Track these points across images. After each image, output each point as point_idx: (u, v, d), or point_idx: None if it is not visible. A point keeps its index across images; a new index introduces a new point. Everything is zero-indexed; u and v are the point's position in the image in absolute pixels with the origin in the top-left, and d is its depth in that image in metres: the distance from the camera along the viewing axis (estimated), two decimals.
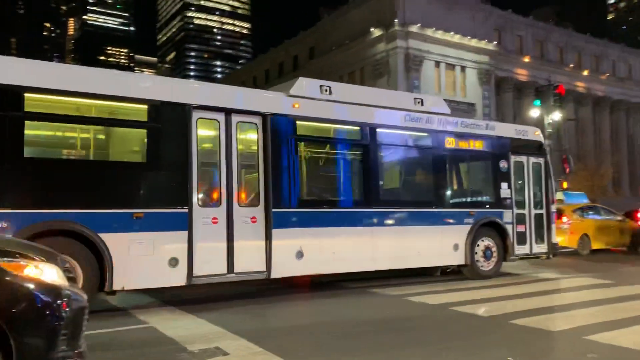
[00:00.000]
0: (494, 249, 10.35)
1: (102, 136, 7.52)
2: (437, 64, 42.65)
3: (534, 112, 29.23)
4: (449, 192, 10.24)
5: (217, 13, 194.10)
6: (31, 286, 3.12)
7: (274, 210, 7.90)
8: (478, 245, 10.13)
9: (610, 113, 54.90)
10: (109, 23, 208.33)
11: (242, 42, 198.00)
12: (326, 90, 8.99)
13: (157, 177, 7.30)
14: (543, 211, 11.20)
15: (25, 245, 3.74)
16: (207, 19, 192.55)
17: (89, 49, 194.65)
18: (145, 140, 7.31)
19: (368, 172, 9.21)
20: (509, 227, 10.50)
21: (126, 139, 7.68)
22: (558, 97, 26.05)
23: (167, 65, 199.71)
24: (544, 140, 11.95)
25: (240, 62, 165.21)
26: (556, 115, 26.68)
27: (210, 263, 7.38)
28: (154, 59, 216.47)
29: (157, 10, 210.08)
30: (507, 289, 9.02)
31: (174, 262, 7.09)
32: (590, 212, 16.55)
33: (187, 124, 7.38)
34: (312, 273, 8.72)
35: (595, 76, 53.59)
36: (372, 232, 9.00)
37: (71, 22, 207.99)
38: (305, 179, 8.75)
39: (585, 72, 52.58)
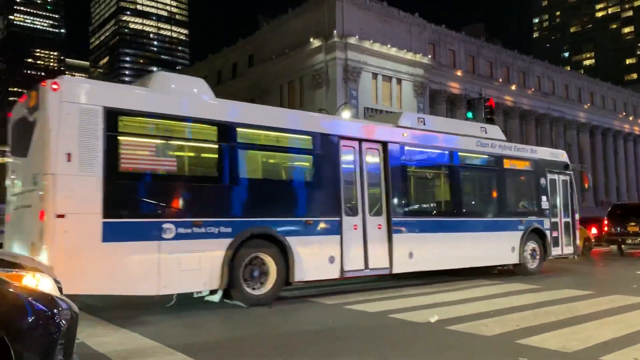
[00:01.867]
0: (537, 251, 12.73)
1: (284, 161, 9.38)
2: (375, 75, 43.49)
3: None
4: (507, 204, 12.52)
5: (154, 18, 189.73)
6: (30, 297, 3.15)
7: (392, 219, 9.88)
8: (526, 247, 12.37)
9: (535, 126, 57.90)
10: (37, 24, 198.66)
11: (179, 48, 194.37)
12: (421, 122, 11.23)
13: (319, 193, 9.22)
14: (570, 219, 13.73)
15: (13, 255, 3.76)
16: (143, 24, 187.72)
17: (15, 51, 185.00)
18: (311, 164, 9.24)
19: (454, 188, 11.52)
20: (547, 233, 12.93)
21: (299, 163, 9.43)
22: (489, 109, 27.13)
23: (99, 70, 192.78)
24: (569, 161, 14.37)
25: (177, 68, 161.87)
26: (489, 128, 27.77)
27: (354, 261, 9.29)
28: (86, 63, 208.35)
29: (90, 13, 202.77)
30: (444, 295, 9.24)
31: (331, 259, 9.01)
32: None
33: (337, 151, 9.40)
34: (419, 270, 10.56)
35: (522, 91, 56.38)
36: (458, 237, 11.02)
37: None
38: (411, 193, 10.83)
39: (513, 87, 55.22)
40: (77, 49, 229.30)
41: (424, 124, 11.18)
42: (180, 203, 7.69)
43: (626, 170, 68.69)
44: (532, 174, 13.14)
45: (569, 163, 14.23)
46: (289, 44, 44.57)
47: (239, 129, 8.33)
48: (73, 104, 6.88)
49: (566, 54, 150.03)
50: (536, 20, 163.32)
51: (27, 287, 3.20)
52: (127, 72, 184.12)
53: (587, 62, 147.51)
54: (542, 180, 13.21)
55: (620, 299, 8.39)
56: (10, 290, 3.11)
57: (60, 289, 3.56)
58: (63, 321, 3.21)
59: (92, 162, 6.90)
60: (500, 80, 54.44)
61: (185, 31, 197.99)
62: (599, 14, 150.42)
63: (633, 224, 18.89)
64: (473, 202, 12.32)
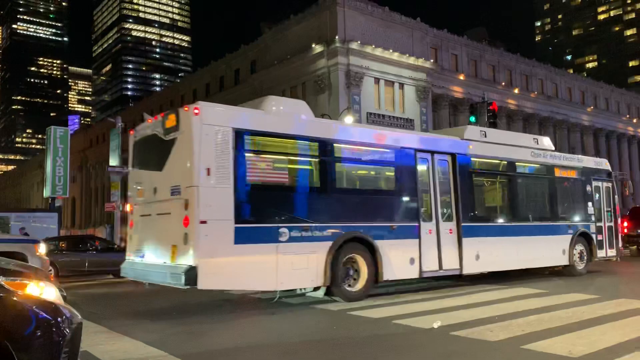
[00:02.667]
0: (584, 253, 13.49)
1: (372, 173, 10.61)
2: (377, 80, 43.53)
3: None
4: (558, 210, 13.36)
5: (156, 25, 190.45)
6: (34, 305, 3.14)
7: (462, 224, 10.75)
8: (575, 250, 13.17)
9: (539, 129, 57.74)
10: (40, 33, 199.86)
11: (181, 55, 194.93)
12: (483, 134, 12.30)
13: (401, 201, 10.17)
14: (612, 224, 14.61)
15: (17, 264, 3.73)
16: (145, 31, 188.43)
17: (19, 60, 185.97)
18: (394, 175, 10.30)
19: (513, 196, 12.51)
20: (593, 237, 13.78)
21: (383, 174, 10.62)
22: (492, 113, 27.09)
23: (102, 78, 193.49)
24: (611, 169, 15.31)
25: (180, 75, 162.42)
26: (490, 131, 27.75)
27: (430, 262, 10.15)
28: (89, 71, 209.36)
29: (93, 21, 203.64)
30: (448, 300, 9.20)
31: (412, 261, 9.91)
32: None
33: (414, 162, 10.38)
34: (484, 271, 11.69)
35: (525, 94, 56.32)
36: (517, 240, 11.89)
37: None
38: (476, 200, 11.64)
39: (516, 90, 55.17)
40: (80, 57, 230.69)
41: (485, 137, 12.24)
42: (291, 210, 8.72)
43: (630, 173, 68.37)
44: (579, 182, 14.03)
45: (610, 171, 15.18)
46: (291, 49, 44.70)
47: (335, 145, 9.48)
48: (210, 125, 7.95)
49: (569, 57, 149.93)
50: (538, 24, 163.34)
51: (31, 296, 3.20)
52: (129, 80, 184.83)
53: (590, 65, 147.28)
54: (588, 187, 14.13)
55: (627, 303, 8.33)
56: (14, 298, 3.11)
57: (64, 297, 3.58)
58: (67, 329, 3.20)
59: (225, 175, 7.97)
60: (503, 83, 54.40)
61: (187, 38, 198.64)
62: (602, 17, 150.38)
63: None
64: (529, 208, 12.99)
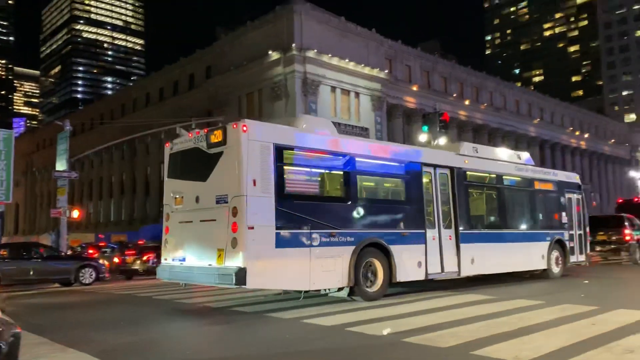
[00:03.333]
0: (560, 258, 14.90)
1: (386, 184, 11.65)
2: (333, 89, 43.86)
3: (422, 137, 30.95)
4: (538, 219, 14.71)
5: (109, 27, 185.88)
6: None
7: (461, 231, 11.90)
8: (552, 255, 14.55)
9: (488, 139, 59.52)
10: None
11: (134, 58, 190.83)
12: (475, 150, 13.46)
13: (410, 209, 11.19)
14: (582, 232, 15.98)
15: None
16: (97, 33, 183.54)
17: None
18: (404, 186, 11.35)
19: (502, 206, 13.79)
20: (567, 243, 15.14)
21: (396, 185, 11.59)
22: (443, 123, 27.73)
23: (51, 79, 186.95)
24: (581, 182, 16.77)
25: (132, 78, 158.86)
26: (442, 141, 28.40)
27: (434, 265, 11.25)
28: (36, 72, 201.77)
29: (41, 21, 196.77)
30: (401, 307, 9.29)
31: (419, 264, 10.98)
32: None
33: (420, 175, 11.46)
34: (477, 273, 12.60)
35: (475, 106, 58.01)
36: (505, 246, 13.23)
37: None
38: (471, 210, 12.71)
39: (467, 102, 56.76)
40: (26, 57, 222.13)
41: (477, 152, 13.48)
42: (321, 218, 9.51)
43: None
44: (554, 193, 15.42)
45: (580, 184, 16.60)
46: (248, 55, 44.48)
47: (357, 159, 10.43)
48: (255, 141, 8.84)
49: (517, 71, 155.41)
50: (488, 38, 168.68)
51: None
52: (79, 82, 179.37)
53: (536, 79, 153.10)
54: (562, 199, 15.52)
55: (571, 308, 8.64)
56: None
57: (2, 310, 3.46)
58: (2, 343, 3.06)
59: (268, 186, 8.83)
60: (455, 95, 55.84)
61: (140, 41, 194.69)
62: (547, 33, 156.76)
63: (602, 233, 21.10)
64: (514, 217, 14.22)
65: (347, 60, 43.72)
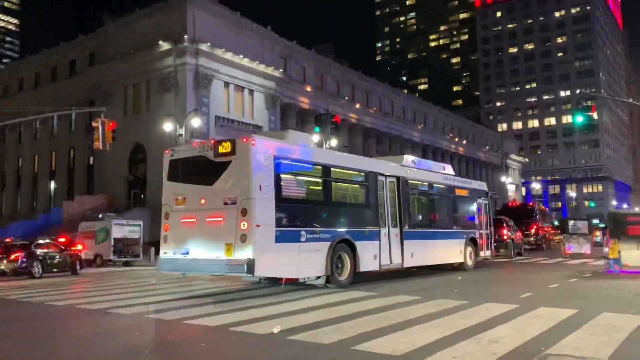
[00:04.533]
0: (473, 253, 17.65)
1: (352, 190, 13.72)
2: (227, 84, 43.14)
3: (315, 138, 31.45)
4: (458, 220, 17.58)
5: None
6: None
7: (404, 230, 14.19)
8: (467, 251, 17.21)
9: (377, 142, 62.03)
10: None
11: (7, 39, 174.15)
12: (413, 162, 16.13)
13: (369, 211, 13.45)
14: (488, 232, 18.93)
15: None
16: None
17: None
18: (365, 191, 13.58)
19: (432, 209, 16.65)
20: (478, 241, 17.97)
21: (359, 191, 13.73)
22: (334, 125, 28.46)
23: None
24: (488, 190, 19.99)
25: (4, 61, 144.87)
26: (333, 142, 29.10)
27: (385, 258, 13.40)
28: None
29: None
30: (286, 305, 9.34)
31: (375, 257, 13.07)
32: None
33: (376, 182, 13.73)
34: (416, 265, 14.77)
35: (365, 109, 60.13)
36: (435, 242, 15.72)
37: None
38: (411, 212, 15.07)
39: (358, 105, 58.66)
40: None
41: (415, 164, 16.05)
42: (306, 218, 11.48)
43: None
44: (469, 199, 18.35)
45: (488, 191, 19.78)
46: (136, 44, 42.39)
47: (331, 168, 12.52)
48: (261, 153, 10.58)
49: (404, 78, 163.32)
50: (379, 45, 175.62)
51: None
52: None
53: (422, 87, 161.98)
54: (475, 203, 18.49)
55: (445, 303, 9.20)
56: None
57: None
58: None
59: (270, 191, 10.54)
60: (347, 98, 57.44)
61: (15, 21, 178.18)
62: (433, 44, 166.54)
63: None
64: (442, 219, 16.94)
65: (241, 56, 43.24)
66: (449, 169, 18.11)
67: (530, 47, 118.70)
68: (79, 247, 23.44)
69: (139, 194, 43.41)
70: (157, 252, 28.74)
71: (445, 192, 17.13)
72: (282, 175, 11.01)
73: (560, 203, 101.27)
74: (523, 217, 30.96)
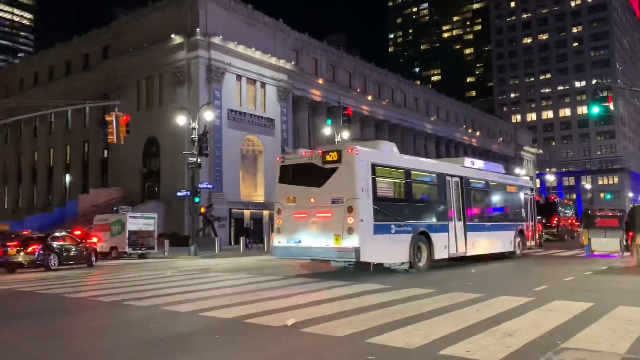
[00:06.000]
0: (520, 243, 19.85)
1: (426, 189, 15.79)
2: (239, 77, 43.16)
3: (327, 130, 31.44)
4: (508, 213, 19.69)
5: None
6: None
7: (467, 223, 16.37)
8: (516, 241, 19.43)
9: (389, 134, 61.74)
10: None
11: (21, 33, 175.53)
12: (472, 163, 18.45)
13: (439, 207, 15.55)
14: (533, 223, 21.20)
15: None
16: None
17: None
18: (436, 190, 15.76)
19: (489, 204, 18.72)
20: (525, 232, 20.24)
21: (431, 190, 15.78)
22: (347, 117, 28.32)
23: None
24: (532, 185, 22.09)
25: (19, 55, 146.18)
26: (345, 134, 29.00)
27: (453, 248, 15.58)
28: None
29: None
30: (300, 297, 9.37)
31: (445, 247, 15.19)
32: None
33: (444, 182, 15.91)
34: (475, 254, 16.88)
35: (377, 101, 59.87)
36: (491, 234, 17.88)
37: None
38: (472, 207, 17.12)
39: (370, 97, 58.41)
40: None
41: (473, 165, 18.30)
42: (395, 213, 13.59)
43: None
44: (517, 194, 20.57)
45: (532, 186, 21.88)
46: (148, 38, 42.57)
47: (412, 172, 14.80)
48: (362, 161, 12.79)
49: (417, 69, 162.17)
50: (391, 36, 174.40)
51: None
52: None
53: (434, 78, 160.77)
54: (522, 198, 20.68)
55: (459, 296, 9.16)
56: None
57: None
58: None
59: (369, 192, 12.78)
60: (358, 90, 57.21)
61: (29, 15, 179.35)
62: (445, 35, 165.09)
63: None
64: (496, 213, 18.96)
65: (253, 49, 43.22)
66: (500, 168, 20.64)
67: (544, 37, 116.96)
68: (94, 239, 23.70)
69: (153, 186, 43.74)
70: (171, 244, 29.10)
71: (498, 188, 19.22)
72: (377, 178, 13.17)
73: (575, 195, 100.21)
74: (545, 211, 33.27)
